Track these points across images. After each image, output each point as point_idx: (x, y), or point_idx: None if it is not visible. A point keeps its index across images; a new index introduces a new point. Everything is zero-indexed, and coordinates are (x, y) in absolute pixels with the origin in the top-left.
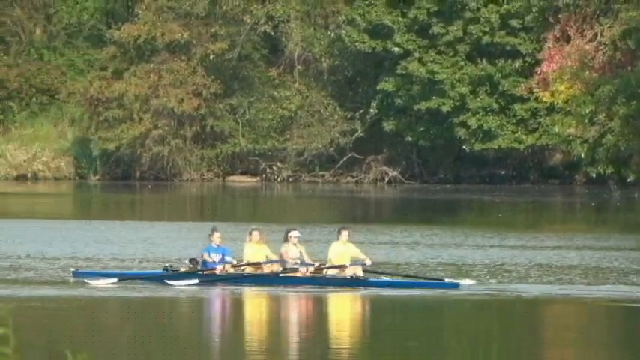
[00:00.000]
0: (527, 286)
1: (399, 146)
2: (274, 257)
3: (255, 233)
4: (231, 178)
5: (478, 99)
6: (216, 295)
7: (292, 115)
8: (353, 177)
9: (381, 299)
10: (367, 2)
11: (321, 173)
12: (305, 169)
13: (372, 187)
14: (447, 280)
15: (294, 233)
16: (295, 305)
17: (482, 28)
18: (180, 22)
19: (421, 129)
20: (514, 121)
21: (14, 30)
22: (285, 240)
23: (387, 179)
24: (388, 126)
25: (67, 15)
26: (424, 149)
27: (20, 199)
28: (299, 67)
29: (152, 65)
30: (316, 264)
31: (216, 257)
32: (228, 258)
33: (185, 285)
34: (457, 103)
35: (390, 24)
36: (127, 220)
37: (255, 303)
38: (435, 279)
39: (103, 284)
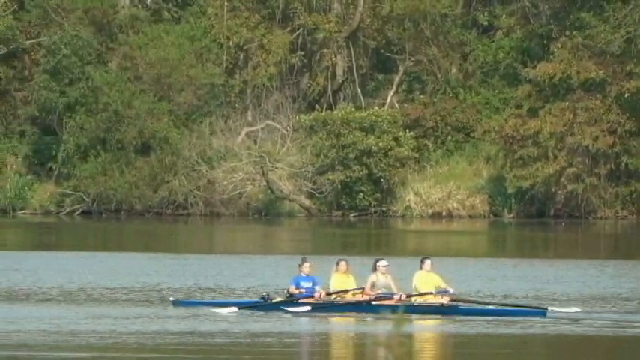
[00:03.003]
0: None
1: None
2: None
3: (342, 264)
4: None
5: None
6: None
7: None
8: None
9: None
10: None
11: None
12: None
13: None
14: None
15: (382, 263)
16: None
17: None
18: (595, 60)
19: None
20: None
21: (430, 69)
22: (374, 269)
23: None
24: None
25: (482, 54)
26: None
27: (436, 236)
28: None
29: (567, 103)
30: (402, 294)
31: (306, 285)
32: (317, 287)
33: (299, 311)
34: None
35: None
36: (538, 258)
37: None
38: (525, 306)
39: (226, 313)
